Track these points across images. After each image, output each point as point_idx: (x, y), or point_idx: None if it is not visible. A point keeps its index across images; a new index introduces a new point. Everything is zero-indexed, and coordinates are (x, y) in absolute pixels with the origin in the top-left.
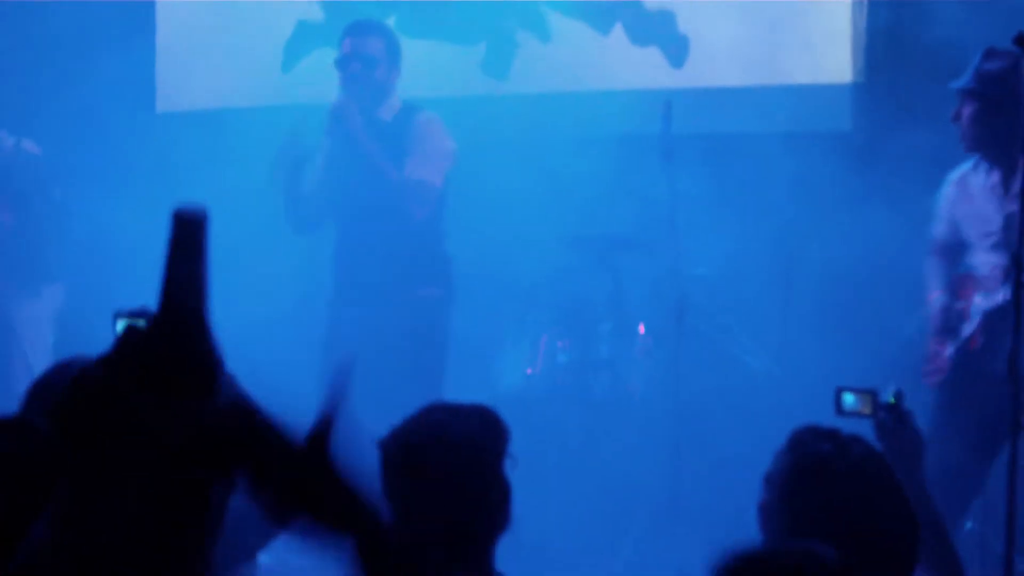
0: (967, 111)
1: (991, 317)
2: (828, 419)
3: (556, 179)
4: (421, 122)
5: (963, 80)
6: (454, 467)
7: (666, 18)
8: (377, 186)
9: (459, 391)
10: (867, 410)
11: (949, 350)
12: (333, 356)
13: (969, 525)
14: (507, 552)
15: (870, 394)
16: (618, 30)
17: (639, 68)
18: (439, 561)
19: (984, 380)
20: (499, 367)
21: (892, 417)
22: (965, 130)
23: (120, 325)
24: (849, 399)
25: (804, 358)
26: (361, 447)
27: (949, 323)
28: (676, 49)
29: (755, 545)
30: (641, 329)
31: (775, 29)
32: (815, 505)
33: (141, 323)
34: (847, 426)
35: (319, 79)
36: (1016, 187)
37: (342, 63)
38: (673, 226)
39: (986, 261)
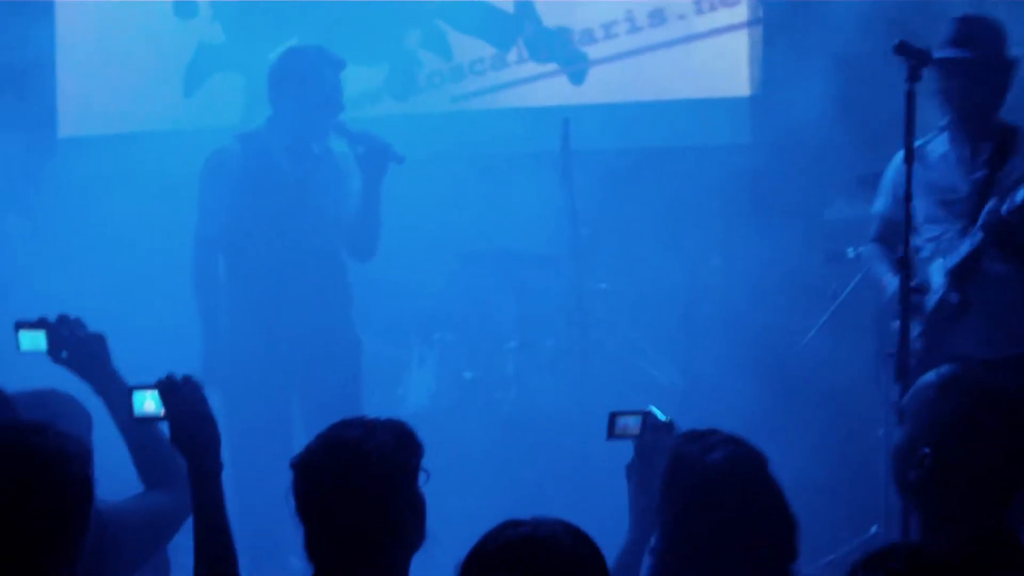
0: (957, 82)
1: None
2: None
3: (457, 196)
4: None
5: (957, 51)
6: (368, 482)
7: (565, 35)
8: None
9: (366, 410)
10: (636, 431)
11: (916, 329)
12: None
13: (874, 529)
14: (421, 568)
15: (642, 415)
16: (519, 47)
17: (540, 86)
18: None
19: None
20: (405, 385)
21: (657, 437)
22: (952, 100)
23: (22, 335)
24: (620, 422)
25: (708, 369)
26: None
27: (909, 300)
28: (576, 66)
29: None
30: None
31: (674, 45)
32: (681, 503)
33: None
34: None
35: (221, 102)
36: (985, 156)
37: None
38: (575, 241)
39: (931, 237)
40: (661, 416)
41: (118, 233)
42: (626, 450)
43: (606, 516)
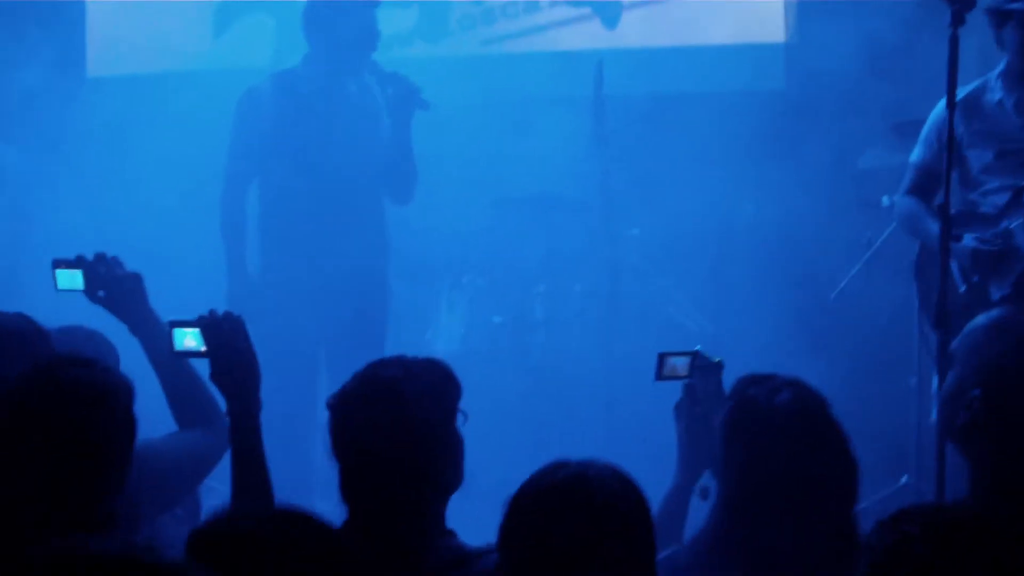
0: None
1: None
2: None
3: (488, 140)
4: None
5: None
6: (405, 422)
7: None
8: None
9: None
10: (685, 372)
11: (963, 286)
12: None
13: (904, 479)
14: (457, 511)
15: (691, 355)
16: None
17: (572, 29)
18: (392, 518)
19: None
20: (434, 328)
21: (706, 377)
22: (1014, 47)
23: (59, 273)
24: (669, 363)
25: (739, 316)
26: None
27: (949, 247)
28: (609, 10)
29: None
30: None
31: None
32: (748, 449)
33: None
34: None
35: (250, 42)
36: None
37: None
38: (606, 187)
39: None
40: (710, 357)
41: (147, 174)
42: (651, 395)
43: (634, 460)
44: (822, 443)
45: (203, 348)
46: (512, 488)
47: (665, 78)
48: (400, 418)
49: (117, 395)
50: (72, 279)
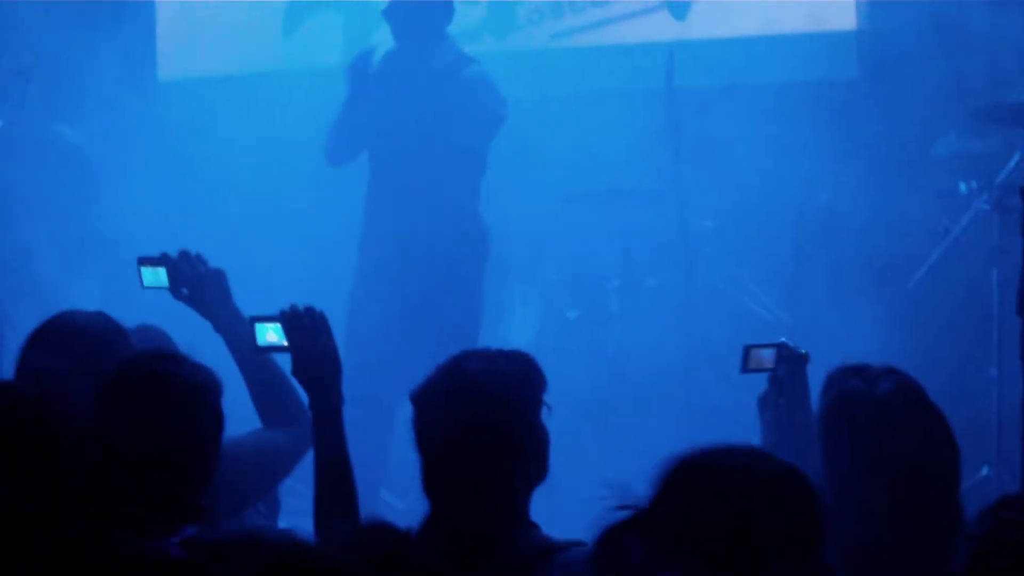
0: None
1: None
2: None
3: (559, 134)
4: (472, 79)
5: None
6: (491, 414)
7: None
8: (421, 143)
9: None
10: (771, 364)
11: None
12: (362, 309)
13: (985, 471)
14: (541, 505)
15: (776, 347)
16: None
17: (642, 22)
18: (475, 511)
19: None
20: (507, 323)
21: (793, 368)
22: None
23: (144, 271)
24: (755, 355)
25: (815, 307)
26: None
27: None
28: (679, 2)
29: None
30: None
31: None
32: (852, 441)
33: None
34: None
35: (320, 43)
36: None
37: (389, 12)
38: (679, 179)
39: None
40: (796, 348)
41: (218, 175)
42: (729, 388)
43: None
44: (926, 429)
45: (285, 343)
46: (590, 483)
47: (735, 69)
48: (485, 411)
49: (208, 390)
50: (156, 276)
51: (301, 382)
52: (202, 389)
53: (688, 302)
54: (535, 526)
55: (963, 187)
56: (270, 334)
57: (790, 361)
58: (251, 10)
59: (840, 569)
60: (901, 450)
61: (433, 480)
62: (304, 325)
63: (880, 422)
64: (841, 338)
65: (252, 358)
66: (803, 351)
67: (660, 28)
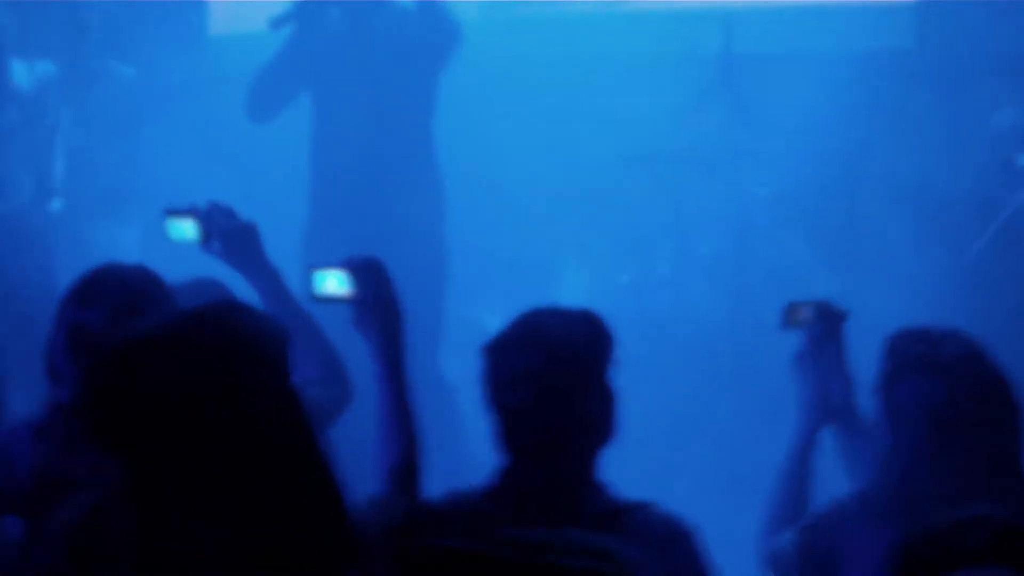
0: None
1: None
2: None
3: (616, 98)
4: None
5: None
6: (563, 369)
7: None
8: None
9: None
10: (810, 320)
11: None
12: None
13: None
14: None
15: (817, 304)
16: None
17: None
18: (546, 466)
19: None
20: (559, 287)
21: (830, 325)
22: None
23: (172, 223)
24: (795, 312)
25: (869, 276)
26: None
27: None
28: None
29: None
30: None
31: None
32: (921, 403)
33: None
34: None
35: None
36: None
37: None
38: (734, 146)
39: None
40: (837, 306)
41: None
42: (779, 354)
43: (762, 420)
44: (993, 389)
45: (347, 292)
46: (645, 445)
47: (791, 36)
48: (559, 365)
49: (274, 341)
50: (185, 229)
51: (363, 333)
52: (278, 340)
53: (740, 269)
54: (604, 484)
55: (1022, 159)
56: (331, 283)
57: (829, 318)
58: None
59: (900, 520)
60: (969, 410)
61: (505, 434)
62: (369, 274)
63: (948, 384)
64: (895, 308)
65: (288, 311)
66: (843, 309)
67: None
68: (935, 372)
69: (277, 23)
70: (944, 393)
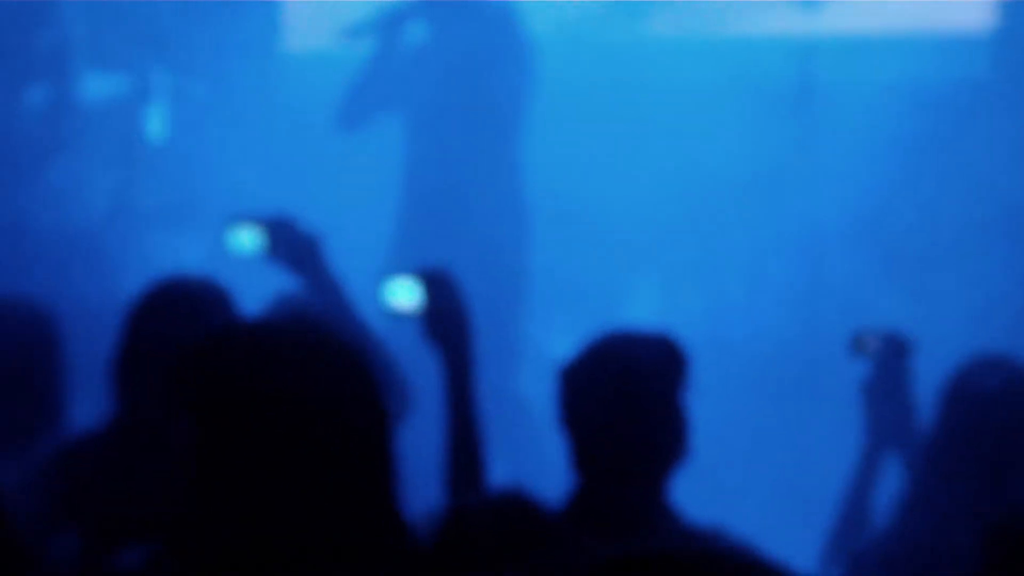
0: None
1: None
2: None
3: (689, 122)
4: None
5: None
6: (638, 392)
7: None
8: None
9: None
10: (878, 351)
11: None
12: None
13: None
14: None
15: (885, 334)
16: None
17: (774, 16)
18: (619, 489)
19: None
20: (628, 311)
21: (900, 357)
22: None
23: (236, 232)
24: (862, 342)
25: (942, 303)
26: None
27: None
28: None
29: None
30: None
31: None
32: (991, 440)
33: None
34: None
35: None
36: None
37: None
38: (807, 171)
39: None
40: (905, 337)
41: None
42: (852, 380)
43: (830, 446)
44: None
45: (416, 304)
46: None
47: (867, 66)
48: (633, 391)
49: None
50: (248, 238)
51: (435, 345)
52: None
53: (812, 293)
54: (675, 508)
55: None
56: (401, 295)
57: (897, 349)
58: None
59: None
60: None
61: (579, 455)
62: (437, 286)
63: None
64: (967, 337)
65: (349, 321)
66: (910, 341)
67: (792, 22)
68: (1011, 408)
69: (354, 33)
70: (1000, 428)
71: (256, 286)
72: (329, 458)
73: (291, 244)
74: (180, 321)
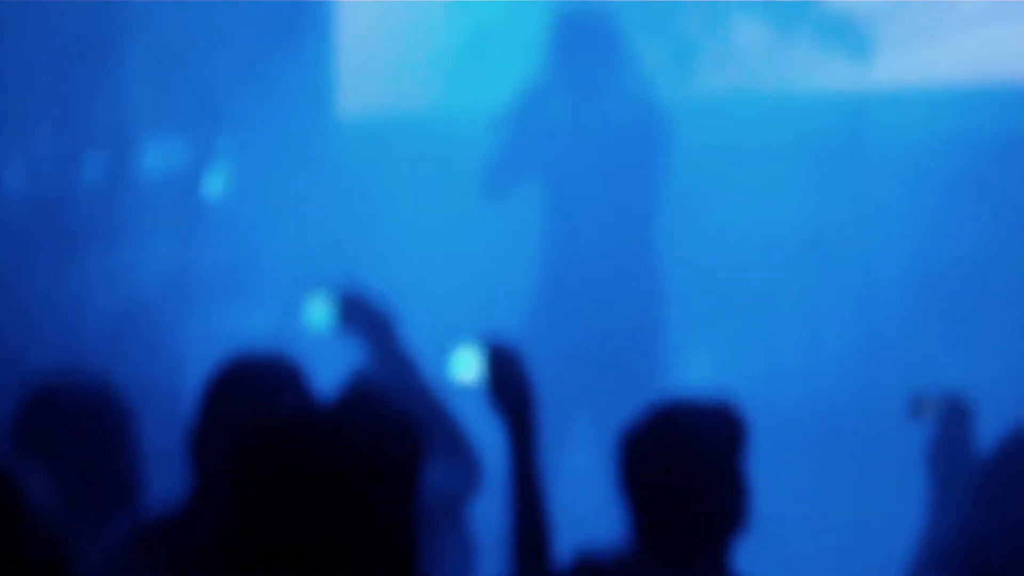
0: None
1: None
2: None
3: (744, 183)
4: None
5: None
6: (699, 462)
7: (852, 17)
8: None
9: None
10: (938, 416)
11: None
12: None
13: None
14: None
15: (946, 399)
16: (802, 28)
17: (824, 69)
18: (680, 557)
19: None
20: (679, 370)
21: (961, 424)
22: None
23: (308, 306)
24: (922, 406)
25: (1002, 365)
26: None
27: None
28: (862, 49)
29: None
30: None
31: (971, 24)
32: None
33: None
34: None
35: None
36: None
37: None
38: (861, 233)
39: None
40: (965, 402)
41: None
42: (910, 444)
43: (892, 511)
44: None
45: (482, 374)
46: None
47: (920, 119)
48: (692, 460)
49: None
50: (321, 312)
51: (499, 413)
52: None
53: (871, 357)
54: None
55: None
56: (467, 365)
57: (959, 416)
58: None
59: None
60: None
61: (637, 524)
62: (500, 357)
63: None
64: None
65: (420, 400)
66: (969, 402)
67: (843, 77)
68: None
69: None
70: None
71: (321, 357)
72: (370, 546)
73: (365, 317)
74: (253, 400)
